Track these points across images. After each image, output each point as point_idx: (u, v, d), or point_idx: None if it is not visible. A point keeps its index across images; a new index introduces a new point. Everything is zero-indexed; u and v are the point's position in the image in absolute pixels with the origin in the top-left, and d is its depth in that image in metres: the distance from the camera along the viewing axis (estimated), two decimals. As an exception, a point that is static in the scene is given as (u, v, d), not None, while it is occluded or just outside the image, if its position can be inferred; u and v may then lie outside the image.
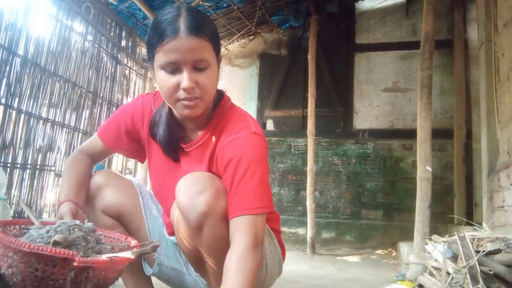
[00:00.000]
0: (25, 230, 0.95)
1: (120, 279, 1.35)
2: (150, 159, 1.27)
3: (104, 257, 0.85)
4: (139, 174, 3.67)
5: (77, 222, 0.94)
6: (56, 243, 0.83)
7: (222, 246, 1.04)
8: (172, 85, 1.02)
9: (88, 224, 0.95)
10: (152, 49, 1.03)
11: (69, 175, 1.22)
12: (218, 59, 1.11)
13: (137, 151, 1.32)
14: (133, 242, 1.04)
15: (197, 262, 1.16)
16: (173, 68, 1.01)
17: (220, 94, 1.20)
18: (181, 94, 1.02)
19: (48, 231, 0.89)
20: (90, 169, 1.29)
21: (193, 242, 1.09)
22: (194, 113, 1.06)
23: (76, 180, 1.20)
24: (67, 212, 1.05)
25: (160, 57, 1.01)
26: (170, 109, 1.16)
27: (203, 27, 1.02)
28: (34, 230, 0.91)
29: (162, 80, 1.03)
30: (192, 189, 1.03)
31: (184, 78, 1.00)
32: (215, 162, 1.14)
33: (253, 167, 1.04)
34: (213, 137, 1.15)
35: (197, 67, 1.02)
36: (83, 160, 1.28)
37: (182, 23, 1.00)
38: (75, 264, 0.78)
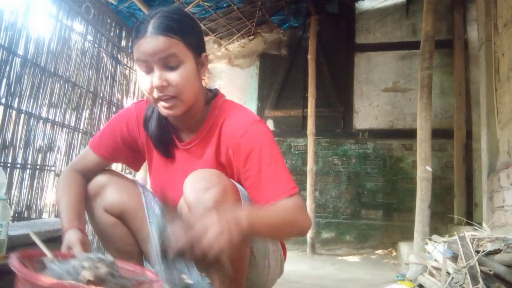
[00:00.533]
0: (41, 263, 0.88)
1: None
2: (150, 162, 1.27)
3: None
4: (139, 174, 3.67)
5: (101, 256, 0.87)
6: (89, 281, 0.78)
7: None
8: (148, 85, 1.05)
9: (109, 257, 0.89)
10: (131, 50, 1.09)
11: (66, 197, 1.18)
12: (201, 57, 1.11)
13: (133, 159, 1.32)
14: (150, 274, 0.97)
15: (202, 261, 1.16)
16: (146, 67, 1.04)
17: (214, 92, 1.21)
18: (156, 93, 1.04)
19: (74, 266, 0.82)
20: (84, 189, 1.25)
21: None
22: (174, 113, 1.07)
23: (74, 202, 1.18)
24: (76, 242, 1.03)
25: (135, 56, 1.06)
26: None
27: (173, 26, 1.03)
28: (54, 264, 0.84)
29: (140, 79, 1.08)
30: (199, 186, 1.03)
31: (154, 76, 1.03)
32: (223, 154, 1.15)
33: (275, 153, 1.09)
34: (214, 132, 1.15)
35: (168, 65, 1.03)
36: (77, 180, 1.24)
37: (151, 23, 1.03)
38: None
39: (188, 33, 1.07)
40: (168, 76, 1.03)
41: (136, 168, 1.36)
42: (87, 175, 1.27)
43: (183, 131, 1.21)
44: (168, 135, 1.20)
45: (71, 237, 1.06)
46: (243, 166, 1.10)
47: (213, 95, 1.20)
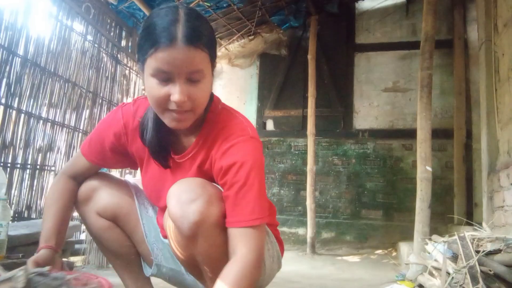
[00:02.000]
0: None
1: (119, 280, 1.35)
2: (145, 169, 1.23)
3: None
4: (139, 174, 3.67)
5: (43, 269, 0.92)
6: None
7: (217, 253, 1.04)
8: (162, 95, 0.95)
9: (58, 274, 0.93)
10: (143, 53, 0.95)
11: (52, 212, 1.18)
12: (213, 66, 1.04)
13: (126, 163, 1.28)
14: (104, 283, 0.99)
15: (193, 269, 1.16)
16: (165, 77, 0.94)
17: (210, 97, 1.12)
18: (171, 105, 0.96)
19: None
20: (75, 193, 1.25)
21: (187, 251, 1.08)
22: (182, 126, 1.02)
23: (58, 216, 1.18)
24: (43, 260, 1.07)
25: (152, 65, 0.93)
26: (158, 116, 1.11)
27: (202, 36, 0.95)
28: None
29: (152, 88, 0.96)
30: (183, 198, 1.00)
31: (176, 91, 0.94)
32: (205, 169, 1.11)
33: (253, 176, 1.01)
34: (205, 145, 1.11)
35: (191, 79, 0.95)
36: (67, 188, 1.23)
37: (180, 31, 0.91)
38: None
39: (212, 44, 1.01)
40: (191, 91, 0.95)
41: (134, 167, 1.31)
42: (79, 179, 1.26)
43: (179, 137, 1.16)
44: (166, 147, 1.15)
45: (41, 254, 1.09)
46: (219, 180, 1.06)
47: (210, 100, 1.12)
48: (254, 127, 1.14)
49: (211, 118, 1.12)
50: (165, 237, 1.26)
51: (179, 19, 0.93)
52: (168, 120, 1.00)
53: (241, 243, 0.99)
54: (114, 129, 1.18)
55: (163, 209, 1.18)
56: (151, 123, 1.10)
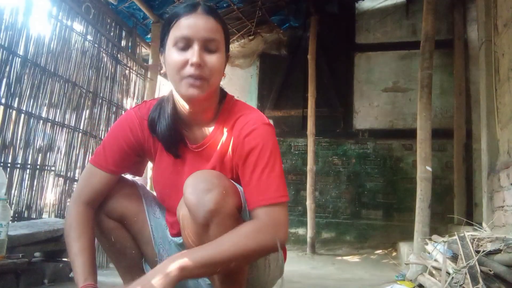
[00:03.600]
0: None
1: (120, 279, 1.35)
2: (158, 163, 1.24)
3: None
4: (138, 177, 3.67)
5: None
6: None
7: None
8: (181, 60, 1.04)
9: None
10: (168, 27, 1.08)
11: (79, 247, 1.13)
12: (228, 53, 1.15)
13: (139, 165, 1.30)
14: None
15: None
16: (185, 43, 1.05)
17: (223, 92, 1.21)
18: (189, 70, 1.04)
19: None
20: (93, 224, 1.21)
21: (199, 240, 1.09)
22: (198, 93, 1.06)
23: (88, 251, 1.14)
24: None
25: (175, 32, 1.06)
26: (174, 105, 1.15)
27: (218, 14, 1.11)
28: None
29: (172, 57, 1.06)
30: (200, 187, 1.02)
31: (194, 54, 1.03)
32: (228, 156, 1.14)
33: (273, 158, 1.08)
34: (224, 132, 1.15)
35: (208, 47, 1.06)
36: (87, 219, 1.18)
37: (200, 6, 1.08)
38: None
39: (227, 28, 1.14)
40: (206, 58, 1.05)
41: (140, 174, 1.33)
42: (95, 202, 1.21)
43: (193, 129, 1.18)
44: (179, 136, 1.17)
45: None
46: (242, 164, 1.10)
47: (224, 94, 1.21)
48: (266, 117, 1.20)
49: (227, 108, 1.18)
50: (173, 235, 1.27)
51: (199, 3, 1.09)
52: (184, 87, 1.06)
53: (263, 215, 1.03)
54: (130, 126, 1.20)
55: (171, 208, 1.20)
56: (166, 113, 1.15)
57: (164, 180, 1.24)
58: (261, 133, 1.10)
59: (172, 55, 1.06)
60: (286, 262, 1.37)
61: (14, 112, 2.30)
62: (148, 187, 1.48)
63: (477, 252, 1.64)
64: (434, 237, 2.17)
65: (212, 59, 1.06)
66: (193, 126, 1.18)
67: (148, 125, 1.19)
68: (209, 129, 1.17)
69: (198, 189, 1.02)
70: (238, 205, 1.06)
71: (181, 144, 1.19)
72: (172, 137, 1.16)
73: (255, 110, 1.19)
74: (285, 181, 1.10)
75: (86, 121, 2.99)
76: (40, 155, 2.52)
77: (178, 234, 1.20)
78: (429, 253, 2.11)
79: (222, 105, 1.18)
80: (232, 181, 1.10)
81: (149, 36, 4.01)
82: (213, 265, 0.96)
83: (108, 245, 1.31)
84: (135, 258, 1.33)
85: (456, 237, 1.78)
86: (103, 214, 1.25)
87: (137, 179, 1.46)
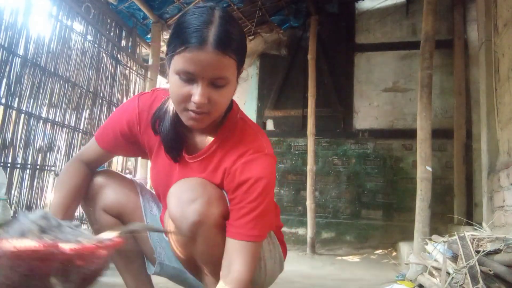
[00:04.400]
0: None
1: (120, 280, 1.35)
2: (155, 161, 1.24)
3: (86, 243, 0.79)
4: (139, 174, 3.67)
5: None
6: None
7: (216, 253, 1.04)
8: (183, 93, 0.95)
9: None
10: (172, 49, 0.95)
11: (61, 189, 1.18)
12: (239, 73, 1.04)
13: (137, 151, 1.29)
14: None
15: (193, 268, 1.17)
16: (189, 77, 0.94)
17: (230, 104, 1.12)
18: (191, 105, 0.96)
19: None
20: (87, 178, 1.25)
21: (186, 251, 1.09)
22: (198, 126, 1.02)
23: (66, 195, 1.17)
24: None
25: (178, 62, 0.94)
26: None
27: (232, 42, 0.94)
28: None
29: (175, 85, 0.96)
30: (184, 197, 1.01)
31: (197, 93, 0.93)
32: (219, 176, 1.11)
33: (264, 194, 1.03)
34: (218, 155, 1.11)
35: (215, 83, 0.95)
36: (79, 171, 1.23)
37: (212, 34, 0.91)
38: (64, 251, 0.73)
39: (242, 51, 1.00)
40: (212, 95, 0.95)
41: (145, 156, 1.30)
42: (92, 165, 1.27)
43: (194, 135, 1.16)
44: (180, 142, 1.15)
45: None
46: (232, 192, 1.06)
47: (229, 105, 1.12)
48: (269, 142, 1.13)
49: (228, 126, 1.12)
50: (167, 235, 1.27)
51: (213, 21, 0.93)
52: (185, 118, 1.00)
53: (239, 257, 1.01)
54: (127, 117, 1.19)
55: (165, 207, 1.19)
56: (170, 116, 1.10)
57: (160, 179, 1.24)
58: (255, 166, 1.05)
59: (175, 83, 0.96)
60: (286, 262, 1.37)
61: (14, 112, 2.30)
62: (148, 187, 1.49)
63: (477, 252, 1.64)
64: (434, 237, 2.17)
65: (218, 96, 0.96)
66: (193, 133, 1.15)
67: (151, 124, 1.16)
68: (209, 140, 1.13)
69: (182, 200, 1.01)
70: (224, 212, 1.05)
71: (181, 151, 1.16)
72: (173, 142, 1.13)
73: (258, 137, 1.12)
74: (270, 218, 1.07)
75: (86, 121, 2.99)
76: (40, 155, 2.52)
77: None
78: (429, 253, 2.11)
79: (225, 121, 1.12)
80: (217, 187, 1.08)
81: (149, 36, 4.00)
82: None
83: None
84: (133, 256, 1.33)
85: (456, 237, 1.78)
86: (101, 211, 1.26)
87: (136, 177, 1.47)
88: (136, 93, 3.73)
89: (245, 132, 1.12)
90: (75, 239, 0.81)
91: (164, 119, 1.12)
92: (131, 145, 1.24)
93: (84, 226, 1.00)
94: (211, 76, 0.93)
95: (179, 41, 0.93)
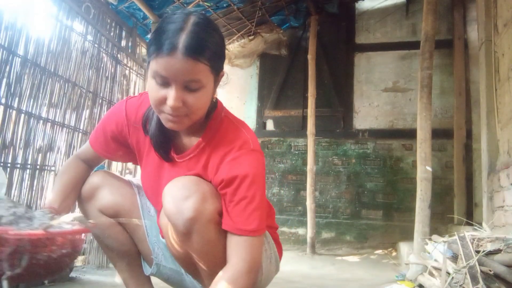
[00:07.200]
0: None
1: (120, 279, 1.35)
2: (142, 161, 1.25)
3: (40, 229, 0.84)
4: (139, 174, 3.67)
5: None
6: None
7: (212, 249, 1.05)
8: (159, 97, 0.98)
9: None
10: (149, 54, 0.99)
11: (59, 181, 1.23)
12: (219, 76, 1.06)
13: (128, 155, 1.30)
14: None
15: (189, 266, 1.17)
16: (163, 81, 0.97)
17: (214, 104, 1.14)
18: (166, 108, 0.98)
19: None
20: (85, 174, 1.29)
21: (183, 248, 1.09)
22: (177, 128, 1.04)
23: (65, 187, 1.21)
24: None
25: (153, 67, 0.97)
26: None
27: (204, 48, 0.96)
28: None
29: (151, 89, 0.99)
30: (178, 195, 1.02)
31: (170, 96, 0.96)
32: (208, 173, 1.12)
33: (254, 190, 1.04)
34: (204, 153, 1.12)
35: (189, 87, 0.97)
36: (77, 166, 1.28)
37: (182, 41, 0.93)
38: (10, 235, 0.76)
39: (216, 57, 1.01)
40: (186, 98, 0.98)
41: (135, 162, 1.34)
42: (90, 163, 1.31)
43: (180, 138, 1.18)
44: (168, 140, 1.17)
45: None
46: (221, 188, 1.07)
47: (213, 105, 1.14)
48: (255, 137, 1.14)
49: (213, 125, 1.13)
50: (163, 237, 1.27)
51: (185, 28, 0.95)
52: (164, 120, 1.03)
53: (235, 252, 1.02)
54: (116, 119, 1.22)
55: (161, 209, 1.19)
56: (156, 117, 1.13)
57: (150, 180, 1.25)
58: (242, 162, 1.06)
59: (151, 86, 0.99)
60: (286, 262, 1.37)
61: (14, 112, 2.30)
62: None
63: (477, 252, 1.64)
64: (434, 237, 2.17)
65: (193, 99, 0.98)
66: (181, 132, 1.16)
67: (142, 125, 1.19)
68: (196, 139, 1.14)
69: (176, 197, 1.02)
70: (219, 209, 1.06)
71: (169, 150, 1.18)
72: (161, 141, 1.15)
73: (243, 133, 1.12)
74: (263, 213, 1.07)
75: (86, 121, 2.99)
76: (40, 155, 2.52)
77: None
78: (429, 253, 2.12)
79: (210, 118, 1.13)
80: (211, 184, 1.09)
81: (149, 36, 4.00)
82: None
83: (105, 243, 1.31)
84: (132, 256, 1.34)
85: (456, 237, 1.78)
86: (97, 212, 1.26)
87: (136, 178, 1.47)
88: (136, 93, 3.74)
89: (229, 130, 1.13)
90: (34, 226, 0.86)
91: (152, 120, 1.15)
92: (122, 147, 1.26)
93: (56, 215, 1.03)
94: (183, 79, 0.96)
95: (153, 47, 0.96)
